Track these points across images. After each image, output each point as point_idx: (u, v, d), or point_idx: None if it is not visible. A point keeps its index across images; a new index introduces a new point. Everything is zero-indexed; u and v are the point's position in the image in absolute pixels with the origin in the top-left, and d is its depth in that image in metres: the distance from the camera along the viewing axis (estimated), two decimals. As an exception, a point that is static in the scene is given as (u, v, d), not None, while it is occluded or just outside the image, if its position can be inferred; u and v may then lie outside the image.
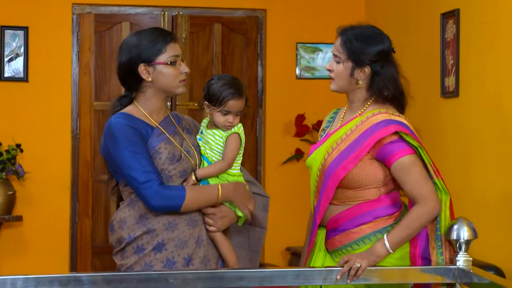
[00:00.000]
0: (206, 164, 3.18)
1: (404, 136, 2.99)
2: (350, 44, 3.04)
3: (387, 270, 3.00)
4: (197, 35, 6.26)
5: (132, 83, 3.13)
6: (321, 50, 6.36)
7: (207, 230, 3.15)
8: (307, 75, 6.35)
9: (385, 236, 2.95)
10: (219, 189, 3.09)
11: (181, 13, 6.22)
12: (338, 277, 2.87)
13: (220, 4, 6.32)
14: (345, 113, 3.21)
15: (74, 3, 6.14)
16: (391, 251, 2.94)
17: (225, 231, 3.20)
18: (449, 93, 4.93)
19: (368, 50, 3.05)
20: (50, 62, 6.08)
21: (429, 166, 3.02)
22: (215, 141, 3.18)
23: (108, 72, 6.23)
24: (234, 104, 3.13)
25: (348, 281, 2.87)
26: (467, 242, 2.97)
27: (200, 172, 3.13)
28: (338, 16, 6.31)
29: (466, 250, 2.98)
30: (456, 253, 3.00)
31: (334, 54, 3.09)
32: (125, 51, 3.11)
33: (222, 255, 3.19)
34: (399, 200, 3.12)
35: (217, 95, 3.12)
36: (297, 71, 6.35)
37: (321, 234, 3.17)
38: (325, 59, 6.35)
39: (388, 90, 3.08)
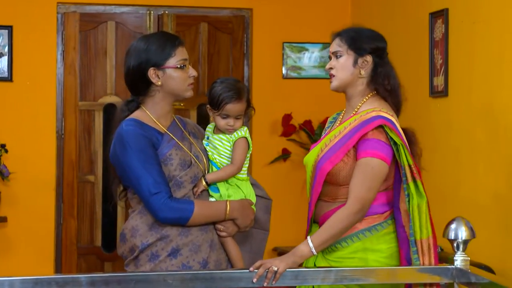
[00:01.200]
0: (214, 169, 3.18)
1: (388, 131, 3.01)
2: (350, 37, 3.10)
3: (384, 270, 3.01)
4: (183, 34, 6.22)
5: (140, 88, 3.12)
6: (307, 50, 6.34)
7: (218, 234, 3.17)
8: (294, 74, 6.33)
9: (308, 237, 2.96)
10: (227, 206, 3.10)
11: (167, 12, 6.18)
12: (254, 280, 2.81)
13: (206, 3, 6.29)
14: (344, 114, 3.24)
15: (59, 2, 6.09)
16: (314, 252, 2.94)
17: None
18: (438, 93, 4.93)
19: (368, 40, 3.12)
20: (34, 62, 6.02)
21: (406, 168, 3.03)
22: (223, 145, 3.18)
23: (93, 71, 6.18)
24: (232, 107, 3.13)
25: (265, 283, 2.81)
26: (465, 242, 2.96)
27: (210, 177, 3.13)
28: (325, 16, 6.33)
29: (464, 250, 2.97)
30: (437, 258, 3.04)
31: (333, 52, 3.13)
32: (133, 56, 3.10)
33: (231, 259, 3.20)
34: (391, 199, 3.11)
35: (215, 98, 3.14)
36: (284, 71, 6.33)
37: (314, 231, 3.14)
38: (311, 58, 6.34)
39: (389, 83, 3.13)
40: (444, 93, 4.84)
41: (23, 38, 5.98)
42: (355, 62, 3.09)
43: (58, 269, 6.08)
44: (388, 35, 3.28)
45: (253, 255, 3.29)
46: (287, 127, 6.11)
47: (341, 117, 3.24)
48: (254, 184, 3.31)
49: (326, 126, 3.32)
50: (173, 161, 3.05)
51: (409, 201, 3.05)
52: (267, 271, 2.82)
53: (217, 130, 3.23)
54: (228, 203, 3.11)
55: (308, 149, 6.06)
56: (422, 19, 5.13)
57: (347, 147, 3.03)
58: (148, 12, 6.20)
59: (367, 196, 2.99)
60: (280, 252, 6.07)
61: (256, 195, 3.27)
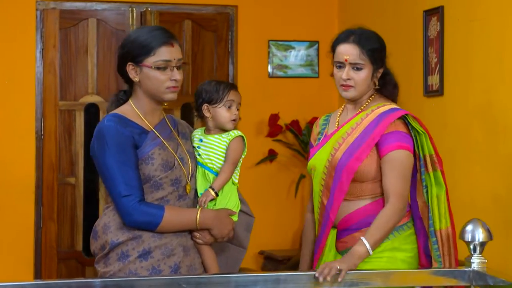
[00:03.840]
0: (208, 173, 3.09)
1: (411, 121, 3.06)
2: (370, 49, 3.09)
3: (399, 274, 2.99)
4: (167, 32, 6.08)
5: (125, 79, 3.06)
6: (293, 48, 6.25)
7: (194, 241, 3.08)
8: (280, 73, 6.22)
9: (362, 237, 2.94)
10: (197, 215, 2.98)
11: (149, 9, 6.05)
12: (321, 279, 2.78)
13: (190, 0, 6.16)
14: (340, 114, 3.24)
15: (38, -1, 5.93)
16: (371, 252, 2.94)
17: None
18: (432, 92, 4.87)
19: (383, 52, 3.16)
20: (13, 60, 5.83)
21: (427, 158, 3.09)
22: (220, 145, 3.11)
23: (74, 70, 6.02)
24: (236, 93, 3.14)
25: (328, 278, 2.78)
26: (482, 244, 2.97)
27: (216, 185, 3.06)
28: (311, 13, 6.25)
29: (480, 252, 2.98)
30: (456, 248, 3.08)
31: (351, 63, 3.08)
32: (122, 46, 3.03)
33: (205, 267, 3.11)
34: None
35: (214, 90, 3.09)
36: (270, 69, 6.22)
37: (332, 233, 3.15)
38: (298, 57, 6.24)
39: (396, 87, 3.24)
40: (439, 92, 4.78)
41: (0, 35, 5.80)
42: (373, 75, 3.12)
43: (37, 274, 5.91)
44: (379, 33, 3.23)
45: (228, 270, 3.20)
46: (274, 128, 6.00)
47: (337, 117, 3.23)
48: (239, 199, 3.21)
49: (320, 128, 3.28)
50: (154, 161, 2.97)
51: (427, 191, 3.10)
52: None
53: (208, 131, 3.16)
54: (199, 212, 3.00)
55: (295, 150, 6.05)
56: (416, 17, 5.07)
57: (373, 141, 3.03)
58: (130, 9, 6.05)
59: (405, 191, 3.04)
60: (266, 255, 5.97)
61: (240, 210, 3.18)
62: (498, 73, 4.24)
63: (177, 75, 2.98)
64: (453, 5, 4.68)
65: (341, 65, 3.10)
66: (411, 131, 3.08)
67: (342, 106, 3.27)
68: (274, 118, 6.02)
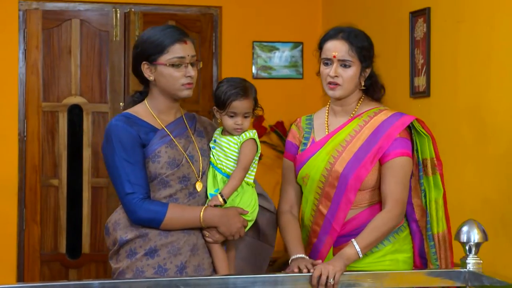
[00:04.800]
0: (218, 174, 3.07)
1: (417, 127, 3.05)
2: (360, 46, 3.05)
3: (395, 275, 2.98)
4: (151, 33, 6.06)
5: (140, 80, 3.09)
6: (278, 49, 6.25)
7: (204, 239, 3.07)
8: (264, 74, 6.22)
9: (353, 240, 2.92)
10: (201, 213, 2.98)
11: (133, 10, 6.02)
12: (314, 282, 2.79)
13: (174, 1, 6.15)
14: (327, 117, 3.18)
15: (21, -1, 5.89)
16: (360, 254, 2.91)
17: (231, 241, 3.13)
18: (419, 93, 4.88)
19: (372, 51, 3.11)
20: (-5, 61, 5.80)
21: (427, 161, 3.08)
22: (230, 148, 3.07)
23: (57, 71, 5.98)
24: (239, 104, 3.03)
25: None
26: (477, 245, 2.98)
27: (225, 191, 3.02)
28: (295, 14, 6.26)
29: (476, 253, 2.98)
30: (452, 251, 3.09)
31: (340, 60, 3.04)
32: (135, 46, 3.06)
33: (215, 266, 3.10)
34: None
35: (221, 97, 3.04)
36: (254, 71, 6.22)
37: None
38: (282, 58, 6.24)
39: (383, 88, 3.19)
40: (426, 93, 4.79)
41: (-18, 36, 5.77)
42: (360, 74, 3.07)
43: (20, 277, 5.89)
44: (365, 34, 3.22)
45: (255, 268, 3.21)
46: (258, 129, 5.98)
47: (325, 120, 3.16)
48: (261, 195, 3.20)
49: (303, 131, 3.22)
50: (160, 159, 2.99)
51: (425, 195, 3.10)
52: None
53: (225, 132, 3.12)
54: (203, 210, 2.99)
55: (280, 152, 6.03)
56: (401, 18, 5.07)
57: (381, 149, 2.99)
58: (114, 9, 6.02)
59: (404, 197, 3.01)
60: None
61: (263, 207, 3.18)
62: (485, 74, 4.24)
63: (192, 71, 3.00)
64: (440, 6, 4.68)
65: (328, 62, 3.05)
66: (412, 134, 3.07)
67: (327, 108, 3.21)
68: (258, 119, 6.00)
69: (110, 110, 6.03)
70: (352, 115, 3.10)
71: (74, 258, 6.03)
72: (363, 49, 3.05)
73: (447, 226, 3.10)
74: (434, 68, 4.73)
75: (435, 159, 3.08)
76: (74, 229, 6.04)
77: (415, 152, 3.08)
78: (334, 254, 3.04)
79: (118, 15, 6.02)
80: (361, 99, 3.12)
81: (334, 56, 3.03)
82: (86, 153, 6.01)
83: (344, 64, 3.03)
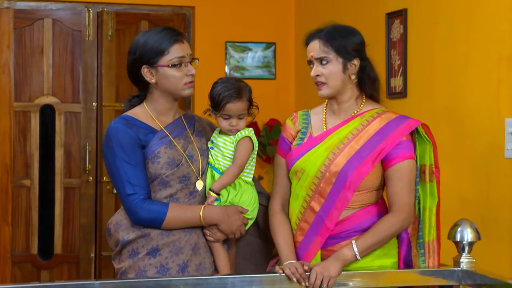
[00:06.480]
0: (216, 174, 3.08)
1: (422, 132, 3.03)
2: (334, 40, 3.00)
3: (390, 273, 3.00)
4: (123, 32, 6.04)
5: (139, 84, 3.10)
6: (250, 50, 6.26)
7: (205, 238, 3.10)
8: (237, 75, 6.23)
9: (353, 241, 2.90)
10: (201, 211, 3.01)
11: (106, 9, 5.98)
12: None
13: (147, 1, 6.13)
14: (325, 115, 3.14)
15: (-9, -2, 5.81)
16: (358, 257, 2.90)
17: (231, 239, 3.15)
18: (395, 94, 4.92)
19: (351, 41, 3.03)
20: (-35, 60, 5.71)
21: (426, 168, 3.04)
22: (227, 147, 3.09)
23: (29, 70, 5.92)
24: (233, 106, 3.05)
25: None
26: (470, 244, 3.02)
27: (215, 186, 3.05)
28: (268, 15, 6.26)
29: (469, 252, 3.03)
30: (439, 259, 3.06)
31: (316, 58, 3.02)
32: (131, 52, 3.07)
33: (216, 265, 3.12)
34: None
35: (215, 98, 3.06)
36: (227, 71, 6.23)
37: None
38: (254, 58, 6.25)
39: (378, 82, 3.11)
40: (403, 94, 4.83)
41: (-47, 35, 5.67)
42: (345, 68, 3.01)
43: (-9, 279, 5.80)
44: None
45: (256, 267, 3.22)
46: (232, 129, 5.98)
47: (323, 117, 3.12)
48: (261, 193, 3.22)
49: (300, 126, 3.16)
50: (160, 159, 3.01)
51: (419, 202, 3.06)
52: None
53: (222, 131, 3.14)
54: (203, 208, 3.02)
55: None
56: (378, 19, 5.11)
57: (384, 150, 2.96)
58: (87, 9, 5.98)
59: (412, 201, 2.99)
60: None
61: (264, 206, 3.19)
62: (462, 75, 4.28)
63: (193, 69, 3.06)
64: (417, 7, 4.72)
65: (311, 64, 3.05)
66: (415, 139, 3.05)
67: (324, 105, 3.17)
68: (232, 119, 6.01)
69: (83, 110, 5.99)
70: (353, 113, 3.06)
71: (46, 259, 5.97)
72: (339, 42, 2.99)
73: (436, 235, 3.06)
74: (411, 69, 4.77)
75: (433, 166, 3.05)
76: (46, 229, 5.98)
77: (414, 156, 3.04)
78: (321, 257, 3.00)
79: (91, 14, 5.99)
80: (363, 101, 3.08)
81: (312, 56, 3.03)
82: (59, 153, 5.95)
83: (321, 61, 3.00)
